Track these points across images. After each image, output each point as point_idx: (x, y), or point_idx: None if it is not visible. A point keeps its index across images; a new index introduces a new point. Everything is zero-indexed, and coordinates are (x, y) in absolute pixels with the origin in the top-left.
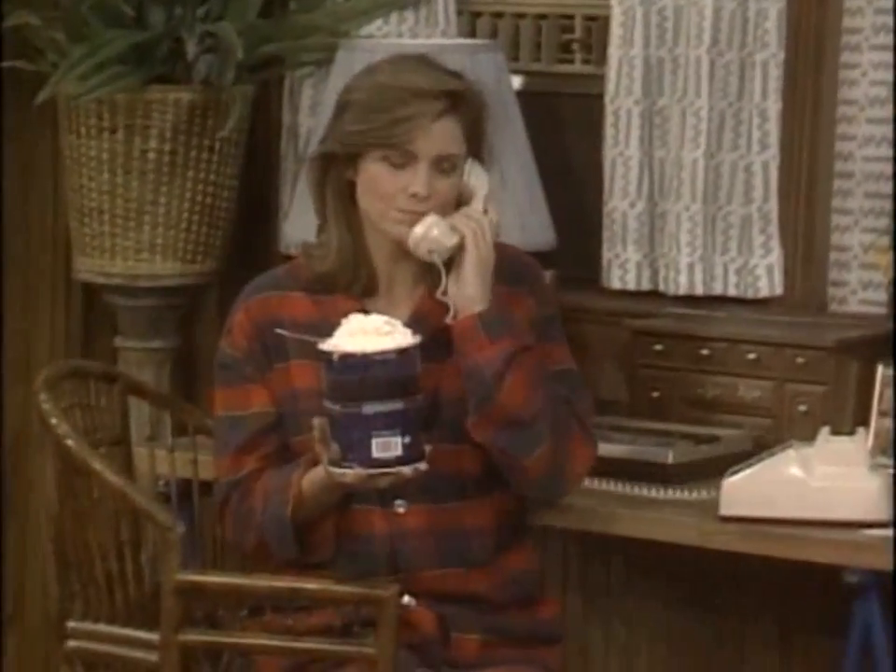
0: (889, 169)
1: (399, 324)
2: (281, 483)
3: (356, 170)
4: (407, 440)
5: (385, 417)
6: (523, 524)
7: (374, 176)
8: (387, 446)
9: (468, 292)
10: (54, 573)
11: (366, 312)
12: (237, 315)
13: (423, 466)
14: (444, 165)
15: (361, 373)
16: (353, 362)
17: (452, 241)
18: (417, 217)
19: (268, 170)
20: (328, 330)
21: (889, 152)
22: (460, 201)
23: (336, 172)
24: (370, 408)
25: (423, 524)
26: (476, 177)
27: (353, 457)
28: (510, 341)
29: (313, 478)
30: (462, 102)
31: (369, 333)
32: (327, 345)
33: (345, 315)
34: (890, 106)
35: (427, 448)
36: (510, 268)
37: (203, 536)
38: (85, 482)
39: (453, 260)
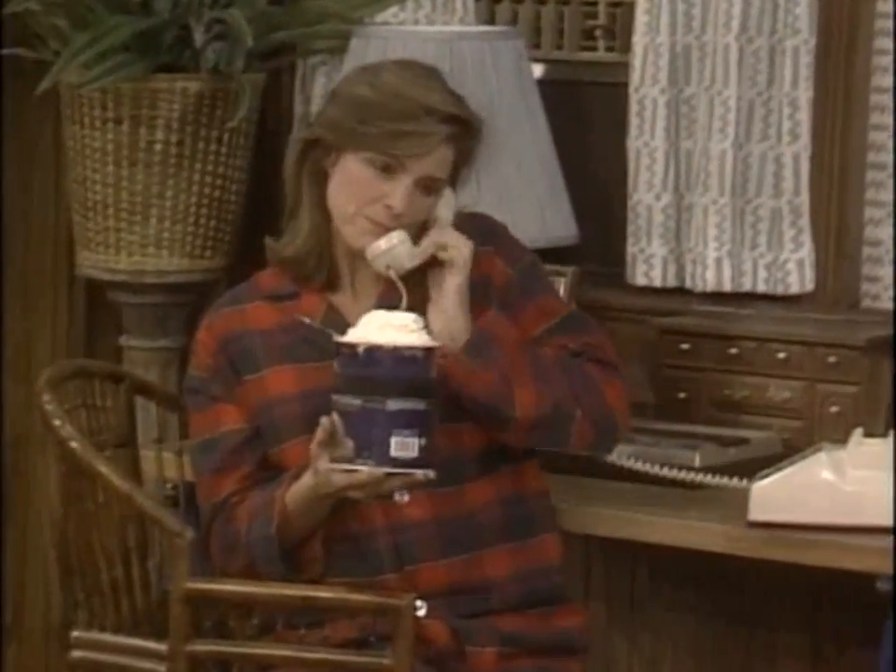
0: None
1: (422, 323)
2: (264, 502)
3: (335, 161)
4: (423, 442)
5: (408, 415)
6: (542, 511)
7: (354, 177)
8: (405, 446)
9: (456, 325)
10: (57, 580)
11: (337, 312)
12: (199, 334)
13: (432, 473)
14: (427, 186)
15: (390, 367)
16: (381, 355)
17: (412, 263)
18: (384, 230)
19: (278, 162)
20: (299, 329)
21: None
22: (425, 222)
23: (314, 158)
24: (394, 404)
25: (424, 512)
26: (445, 201)
27: (368, 455)
28: (499, 360)
29: (298, 491)
30: (466, 131)
31: (397, 329)
32: (349, 337)
33: (311, 313)
34: None
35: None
36: (477, 231)
37: None
38: (90, 485)
39: (411, 275)
